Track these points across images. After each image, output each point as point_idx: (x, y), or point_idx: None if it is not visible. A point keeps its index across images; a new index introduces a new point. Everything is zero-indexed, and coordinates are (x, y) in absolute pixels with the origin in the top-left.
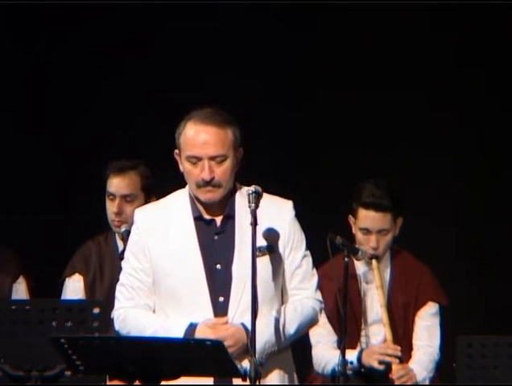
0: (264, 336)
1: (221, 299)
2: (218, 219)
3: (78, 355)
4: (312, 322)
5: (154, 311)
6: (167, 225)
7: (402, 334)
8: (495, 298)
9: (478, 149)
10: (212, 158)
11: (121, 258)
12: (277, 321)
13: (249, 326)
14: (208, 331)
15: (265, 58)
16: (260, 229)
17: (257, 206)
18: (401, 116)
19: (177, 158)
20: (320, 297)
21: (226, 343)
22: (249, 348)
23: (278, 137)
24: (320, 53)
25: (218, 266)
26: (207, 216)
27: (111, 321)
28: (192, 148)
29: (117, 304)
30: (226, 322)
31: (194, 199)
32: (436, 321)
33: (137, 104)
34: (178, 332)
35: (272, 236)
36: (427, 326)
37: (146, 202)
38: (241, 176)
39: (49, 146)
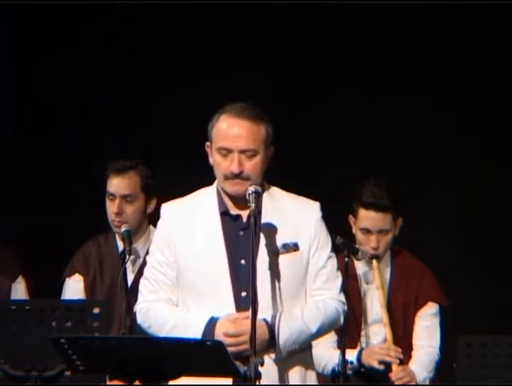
0: (286, 333)
1: (244, 294)
2: (244, 215)
3: (78, 355)
4: (335, 322)
5: (177, 306)
6: (193, 220)
7: (402, 334)
8: (495, 298)
9: (478, 149)
10: (242, 152)
11: (122, 258)
12: (299, 319)
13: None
14: (229, 325)
15: (265, 58)
16: (287, 228)
17: (257, 206)
18: (401, 116)
19: (208, 150)
20: (344, 299)
21: (247, 338)
22: (251, 346)
23: (277, 137)
24: (320, 53)
25: (242, 261)
26: (233, 212)
27: (112, 319)
28: (224, 140)
29: (140, 297)
30: (247, 317)
31: (221, 194)
32: (436, 321)
33: (138, 103)
34: (198, 326)
35: (298, 235)
36: (427, 327)
37: (147, 202)
38: None
39: (49, 146)
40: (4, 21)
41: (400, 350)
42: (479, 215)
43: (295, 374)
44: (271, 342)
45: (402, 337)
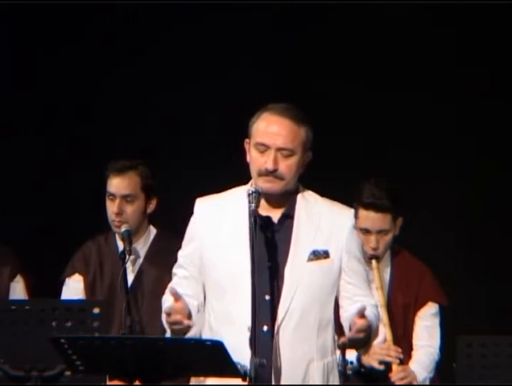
0: (374, 329)
1: (267, 297)
2: (275, 218)
3: (78, 355)
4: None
5: (195, 299)
6: (223, 218)
7: (402, 334)
8: (495, 298)
9: (478, 149)
10: (279, 150)
11: (122, 258)
12: (374, 319)
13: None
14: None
15: (267, 56)
16: (319, 234)
17: (257, 206)
18: (401, 116)
19: (246, 147)
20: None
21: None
22: (251, 346)
23: None
24: (321, 53)
25: (269, 264)
26: (263, 212)
27: (112, 319)
28: (263, 135)
29: None
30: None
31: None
32: (436, 321)
33: (138, 104)
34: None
35: (330, 241)
36: (427, 327)
37: (147, 202)
38: (240, 173)
39: (49, 146)
40: (4, 21)
41: (400, 350)
42: (479, 214)
43: (317, 378)
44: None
45: (402, 337)
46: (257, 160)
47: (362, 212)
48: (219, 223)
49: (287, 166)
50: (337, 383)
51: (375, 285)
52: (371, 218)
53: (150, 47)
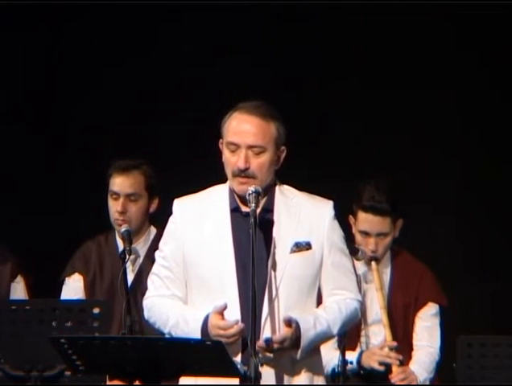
0: (312, 335)
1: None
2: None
3: (78, 355)
4: (353, 323)
5: (183, 301)
6: (204, 216)
7: (402, 334)
8: (495, 298)
9: (478, 147)
10: (250, 148)
11: (122, 258)
12: (324, 321)
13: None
14: (217, 317)
15: (269, 53)
16: (300, 226)
17: (257, 206)
18: (402, 114)
19: (221, 146)
20: (361, 298)
21: (236, 329)
22: (249, 348)
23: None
24: (321, 49)
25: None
26: (244, 209)
27: (111, 319)
28: (233, 135)
29: (146, 293)
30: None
31: (233, 191)
32: (436, 321)
33: (139, 101)
34: (197, 324)
35: (311, 233)
36: (427, 327)
37: (150, 202)
38: None
39: (49, 144)
40: None
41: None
42: (479, 214)
43: (302, 378)
44: (296, 343)
45: (402, 338)
46: (229, 160)
47: (361, 215)
48: (200, 222)
49: (259, 164)
50: (322, 376)
51: (375, 286)
52: (370, 221)
53: (154, 43)
